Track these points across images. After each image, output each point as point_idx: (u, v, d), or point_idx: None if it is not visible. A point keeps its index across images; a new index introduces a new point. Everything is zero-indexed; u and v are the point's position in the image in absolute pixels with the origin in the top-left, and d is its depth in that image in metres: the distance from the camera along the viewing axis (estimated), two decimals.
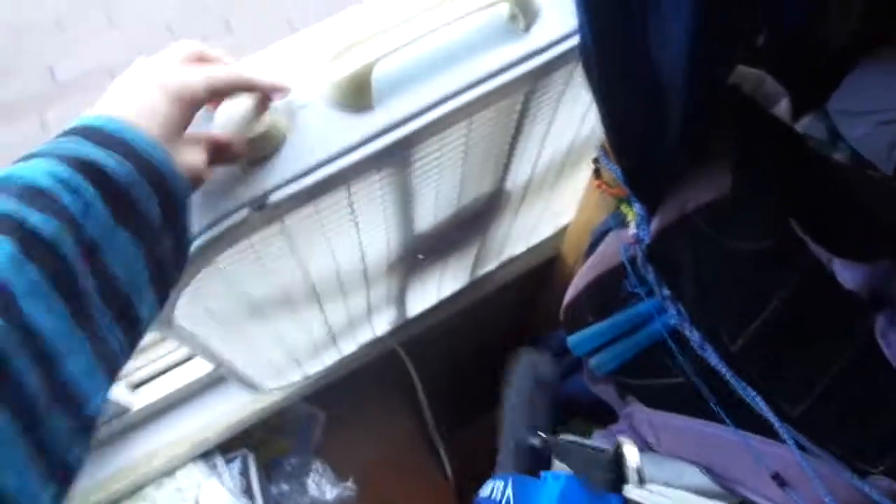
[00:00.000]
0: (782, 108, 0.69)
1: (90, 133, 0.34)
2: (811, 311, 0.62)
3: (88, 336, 0.31)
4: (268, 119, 0.44)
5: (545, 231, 1.00)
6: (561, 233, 1.02)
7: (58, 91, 2.17)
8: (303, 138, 0.46)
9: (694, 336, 0.68)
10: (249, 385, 0.80)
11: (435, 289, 0.92)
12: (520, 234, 0.94)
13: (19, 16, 2.47)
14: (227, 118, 0.43)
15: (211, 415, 0.93)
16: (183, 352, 0.92)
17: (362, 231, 0.56)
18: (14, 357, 0.27)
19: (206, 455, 0.95)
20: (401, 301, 0.88)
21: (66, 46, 2.34)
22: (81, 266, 0.31)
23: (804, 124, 0.77)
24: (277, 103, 0.46)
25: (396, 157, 0.48)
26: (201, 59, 0.43)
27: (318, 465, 1.05)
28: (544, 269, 1.08)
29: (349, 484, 1.02)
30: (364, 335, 0.93)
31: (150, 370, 0.92)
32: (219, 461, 0.96)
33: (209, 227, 0.43)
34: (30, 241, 0.29)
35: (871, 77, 0.72)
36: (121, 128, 0.35)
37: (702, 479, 0.73)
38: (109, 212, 0.32)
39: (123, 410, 0.89)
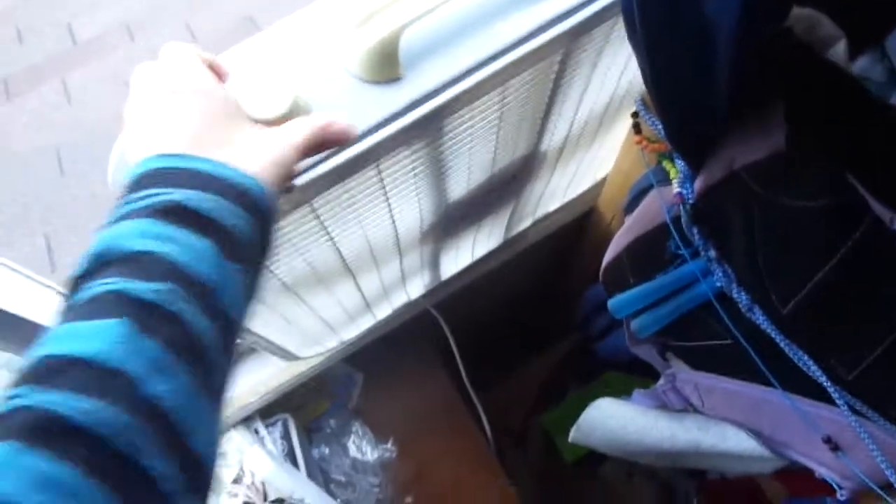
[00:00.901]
0: (839, 50, 0.64)
1: (160, 176, 0.32)
2: (870, 272, 0.58)
3: (209, 392, 0.29)
4: (291, 97, 0.41)
5: (582, 186, 0.96)
6: (598, 186, 0.98)
7: (78, 52, 2.15)
8: (328, 115, 0.43)
9: (742, 298, 0.65)
10: (285, 355, 0.80)
11: (468, 250, 0.90)
12: (555, 191, 0.90)
13: (94, 27, 2.43)
14: (248, 98, 0.41)
15: (250, 381, 0.93)
16: None
17: (394, 205, 0.54)
18: (143, 449, 0.25)
19: (246, 420, 0.97)
20: (434, 265, 0.86)
21: (84, 4, 2.30)
22: (199, 318, 0.29)
23: (861, 66, 0.72)
24: (301, 78, 0.43)
25: (428, 130, 0.46)
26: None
27: (357, 426, 1.06)
28: (580, 223, 1.05)
29: (389, 445, 1.03)
30: (398, 299, 0.92)
31: None
32: (260, 426, 0.97)
33: None
34: (143, 314, 0.27)
35: None
36: (188, 161, 0.33)
37: (749, 443, 0.71)
38: (215, 248, 0.31)
39: None
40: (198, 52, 0.43)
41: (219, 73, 0.43)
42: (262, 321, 0.65)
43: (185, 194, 0.31)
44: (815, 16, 0.63)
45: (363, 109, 0.43)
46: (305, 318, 0.70)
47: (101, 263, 0.29)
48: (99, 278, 0.28)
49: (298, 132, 0.38)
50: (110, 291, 0.27)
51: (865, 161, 0.56)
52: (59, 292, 0.75)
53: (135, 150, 0.35)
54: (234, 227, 0.32)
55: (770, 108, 0.60)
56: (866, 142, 0.57)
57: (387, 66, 0.43)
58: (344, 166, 0.43)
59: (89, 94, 2.01)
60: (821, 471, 0.66)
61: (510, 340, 1.34)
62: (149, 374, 0.26)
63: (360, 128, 0.43)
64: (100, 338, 0.26)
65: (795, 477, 0.73)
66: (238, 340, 0.33)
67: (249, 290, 0.34)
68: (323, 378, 1.06)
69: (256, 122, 0.41)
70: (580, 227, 1.06)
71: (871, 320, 0.59)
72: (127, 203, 0.31)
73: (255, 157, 0.35)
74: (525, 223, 0.96)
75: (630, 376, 1.16)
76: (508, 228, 0.93)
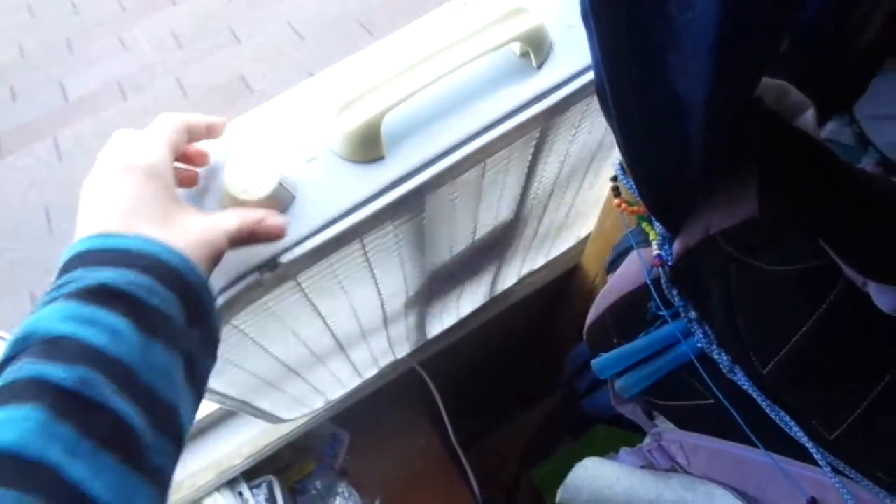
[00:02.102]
0: (808, 117, 0.67)
1: (89, 257, 0.32)
2: (846, 333, 0.60)
3: (143, 474, 0.29)
4: (276, 176, 0.43)
5: (565, 244, 0.98)
6: (581, 244, 1.00)
7: (70, 109, 2.18)
8: (313, 194, 0.44)
9: (723, 359, 0.66)
10: (270, 418, 0.80)
11: (454, 310, 0.91)
12: (539, 251, 0.92)
13: (32, 38, 2.49)
14: (233, 179, 0.42)
15: (235, 442, 0.92)
16: None
17: (378, 275, 0.55)
18: None
19: (230, 483, 0.95)
20: (420, 325, 0.87)
21: (77, 65, 2.35)
22: (121, 401, 0.29)
23: (830, 130, 0.75)
24: (286, 158, 0.45)
25: (410, 206, 0.47)
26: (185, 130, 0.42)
27: (343, 487, 1.05)
28: (564, 281, 1.06)
29: None
30: (384, 359, 0.92)
31: None
32: (244, 489, 0.96)
33: (221, 291, 0.42)
34: (59, 400, 0.27)
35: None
36: (116, 240, 0.33)
37: None
38: (135, 328, 0.31)
39: None
40: (192, 116, 0.43)
41: (213, 134, 0.44)
42: (246, 387, 0.65)
43: (108, 275, 0.31)
44: (783, 85, 0.66)
45: (347, 188, 0.44)
46: (291, 383, 0.70)
47: (23, 348, 0.29)
48: (18, 363, 0.28)
49: (231, 219, 0.39)
50: (28, 377, 0.28)
51: (835, 226, 0.58)
52: None
53: (77, 229, 0.36)
54: (159, 305, 0.32)
55: (744, 173, 0.63)
56: (835, 208, 0.59)
57: (370, 146, 0.44)
58: (328, 243, 0.44)
59: (80, 152, 2.03)
60: None
61: (497, 396, 1.33)
62: (68, 460, 0.26)
63: (345, 203, 0.44)
64: (15, 426, 0.26)
65: None
66: (183, 418, 0.33)
67: (188, 366, 0.34)
68: (309, 438, 1.05)
69: (242, 202, 0.42)
70: (565, 284, 1.07)
71: (849, 381, 0.60)
72: (56, 288, 0.31)
73: (185, 235, 0.36)
74: (510, 281, 0.98)
75: (620, 430, 1.16)
76: (493, 287, 0.94)
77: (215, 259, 0.38)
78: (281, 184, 0.43)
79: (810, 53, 0.68)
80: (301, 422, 0.93)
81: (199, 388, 0.36)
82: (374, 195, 0.44)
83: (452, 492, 1.11)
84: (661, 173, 0.56)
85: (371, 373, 0.93)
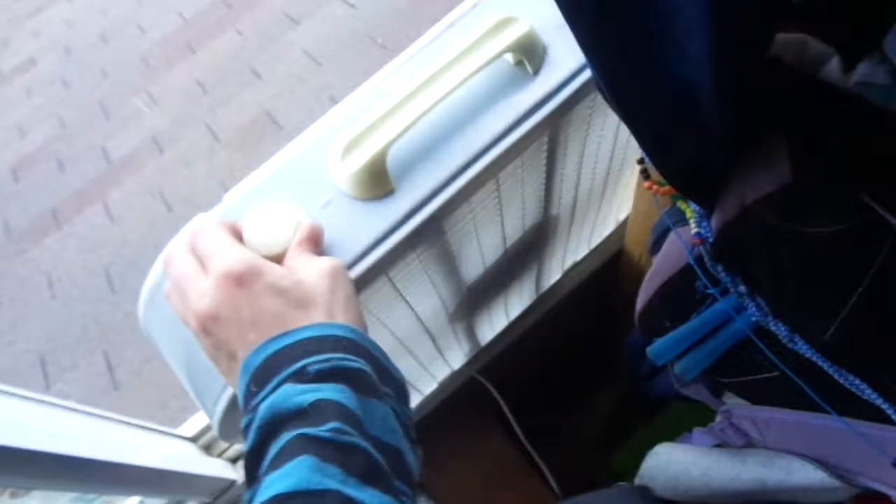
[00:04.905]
0: (833, 66, 0.64)
1: (283, 355, 0.37)
2: None
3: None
4: (293, 229, 0.43)
5: (605, 230, 0.96)
6: (621, 227, 0.98)
7: (114, 171, 2.27)
8: (331, 237, 0.45)
9: (780, 330, 0.64)
10: None
11: (502, 314, 0.90)
12: (579, 242, 0.91)
13: (69, 109, 2.60)
14: (252, 237, 0.43)
15: None
16: None
17: (413, 302, 0.55)
18: None
19: None
20: (470, 335, 0.87)
21: (115, 128, 2.44)
22: (366, 444, 0.34)
23: (862, 73, 0.71)
24: (299, 207, 0.45)
25: (428, 234, 0.47)
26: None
27: (424, 501, 1.05)
28: (611, 265, 1.04)
29: None
30: (441, 373, 0.93)
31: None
32: None
33: None
34: (321, 448, 0.32)
35: None
36: (296, 335, 0.37)
37: (817, 475, 0.69)
38: (352, 391, 0.36)
39: (228, 485, 0.92)
40: (220, 222, 0.44)
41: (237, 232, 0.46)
42: None
43: (311, 361, 0.36)
44: (801, 38, 0.63)
45: (363, 227, 0.45)
46: None
47: (275, 426, 0.34)
48: (279, 437, 0.34)
49: (333, 261, 0.42)
50: (291, 440, 0.33)
51: (877, 178, 0.55)
52: (117, 419, 0.78)
53: (237, 346, 0.39)
54: (359, 368, 0.37)
55: (774, 137, 0.60)
56: (874, 157, 0.56)
57: (378, 183, 0.44)
58: (355, 284, 0.44)
59: (128, 211, 2.12)
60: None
61: (562, 389, 1.32)
62: (345, 487, 0.31)
63: (363, 244, 0.45)
64: (294, 473, 0.31)
65: (875, 502, 0.70)
66: (409, 462, 0.38)
67: (396, 416, 0.38)
68: None
69: (267, 258, 0.43)
70: (612, 269, 1.05)
71: None
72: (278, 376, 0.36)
73: (341, 308, 0.40)
74: (555, 276, 0.97)
75: (695, 404, 1.13)
76: (539, 285, 0.93)
77: (355, 297, 0.43)
78: (297, 233, 0.43)
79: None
80: None
81: (410, 435, 0.40)
82: (389, 231, 0.44)
83: (532, 489, 1.11)
84: (680, 157, 0.55)
85: (431, 388, 0.93)
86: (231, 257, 0.40)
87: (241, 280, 0.39)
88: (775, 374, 0.67)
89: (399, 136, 0.43)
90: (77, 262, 2.01)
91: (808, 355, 0.62)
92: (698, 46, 0.41)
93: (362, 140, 0.44)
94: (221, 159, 2.13)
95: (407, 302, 0.54)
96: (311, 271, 0.41)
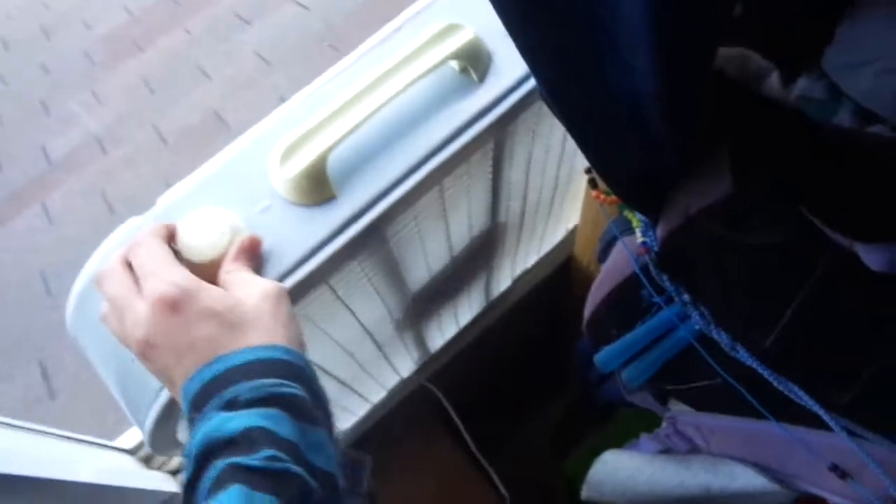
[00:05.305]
0: (774, 81, 0.65)
1: (220, 380, 0.36)
2: (842, 297, 0.58)
3: None
4: (228, 234, 0.42)
5: (554, 238, 0.97)
6: (571, 235, 0.99)
7: (54, 172, 2.19)
8: (270, 244, 0.43)
9: (722, 338, 0.65)
10: None
11: (453, 322, 0.90)
12: (528, 249, 0.91)
13: (8, 104, 2.49)
14: (187, 243, 0.41)
15: None
16: None
17: (357, 311, 0.54)
18: None
19: None
20: (420, 343, 0.86)
21: (56, 126, 2.35)
22: (299, 469, 0.34)
23: (801, 87, 0.73)
24: (237, 212, 0.44)
25: (370, 241, 0.46)
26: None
27: None
28: (561, 273, 1.05)
29: None
30: (390, 381, 0.91)
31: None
32: None
33: None
34: (253, 477, 0.32)
35: (865, 25, 0.67)
36: (231, 360, 0.37)
37: (758, 480, 0.70)
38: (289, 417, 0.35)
39: (168, 498, 0.89)
40: (157, 231, 0.42)
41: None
42: None
43: (244, 387, 0.35)
44: (743, 52, 0.64)
45: (303, 233, 0.43)
46: None
47: (209, 454, 0.34)
48: (212, 465, 0.33)
49: (275, 285, 0.40)
50: (223, 469, 0.32)
51: (814, 191, 0.57)
52: (51, 433, 0.75)
53: (175, 373, 0.38)
54: (294, 395, 0.36)
55: (718, 151, 0.61)
56: (812, 172, 0.58)
57: (318, 189, 0.43)
58: (292, 291, 0.43)
59: (68, 212, 2.04)
60: (834, 499, 0.65)
61: (514, 396, 1.32)
62: None
63: (302, 251, 0.43)
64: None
65: None
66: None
67: (329, 440, 0.38)
68: None
69: (199, 264, 0.41)
70: (562, 276, 1.06)
71: (853, 344, 0.59)
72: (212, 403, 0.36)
73: (281, 331, 0.39)
74: (504, 284, 0.96)
75: (644, 410, 1.14)
76: (488, 293, 0.93)
77: (294, 318, 0.41)
78: (233, 240, 0.42)
79: (765, 14, 0.66)
80: None
81: (339, 459, 0.40)
82: (329, 237, 0.43)
83: (482, 497, 1.10)
84: (626, 169, 0.55)
85: (380, 396, 0.92)
86: (165, 280, 0.38)
87: (176, 306, 0.37)
88: (718, 381, 0.68)
89: (340, 140, 0.42)
90: (13, 265, 1.93)
91: (748, 363, 0.63)
92: (642, 60, 0.41)
93: (302, 144, 0.42)
94: (167, 160, 2.07)
95: (350, 310, 0.53)
96: (251, 293, 0.39)
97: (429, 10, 0.49)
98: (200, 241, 0.42)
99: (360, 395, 0.83)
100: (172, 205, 0.46)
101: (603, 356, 0.75)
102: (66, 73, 2.57)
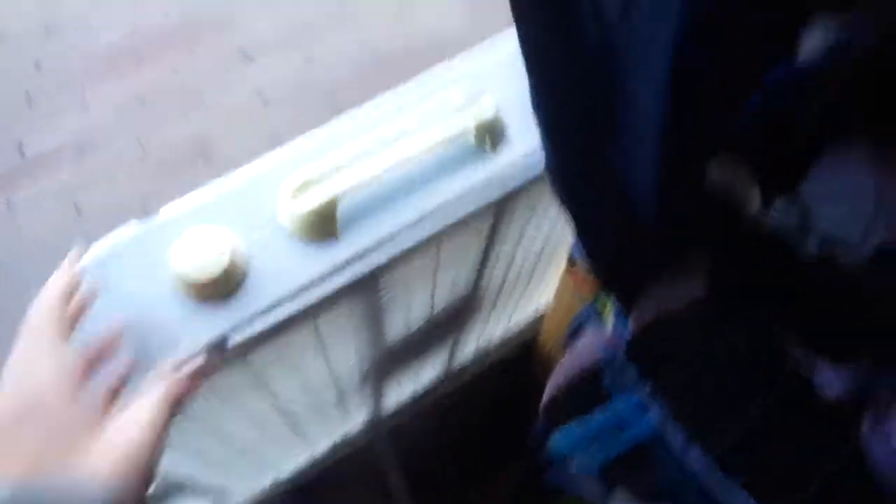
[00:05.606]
0: (755, 199, 0.69)
1: None
2: (796, 413, 0.60)
3: None
4: (228, 255, 0.42)
5: (522, 319, 0.98)
6: (538, 320, 1.00)
7: (27, 167, 2.14)
8: (265, 273, 0.44)
9: (677, 437, 0.66)
10: (217, 497, 0.76)
11: (410, 384, 0.89)
12: (497, 324, 0.92)
13: (45, 145, 2.43)
14: (183, 260, 0.41)
15: None
16: None
17: (330, 354, 0.54)
18: None
19: None
20: (376, 399, 0.85)
21: (36, 123, 2.32)
22: None
23: (775, 215, 0.77)
24: (238, 237, 0.44)
25: (363, 288, 0.47)
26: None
27: None
28: (523, 354, 1.06)
29: None
30: (339, 432, 0.90)
31: None
32: None
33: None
34: None
35: (842, 163, 0.72)
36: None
37: None
38: None
39: None
40: (55, 291, 0.40)
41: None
42: (193, 460, 0.62)
43: None
44: (732, 168, 0.68)
45: (301, 267, 0.44)
46: (239, 459, 0.68)
47: None
48: None
49: (147, 409, 0.36)
50: None
51: (783, 310, 0.60)
52: None
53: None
54: None
55: (698, 254, 0.64)
56: (783, 292, 0.61)
57: (324, 226, 0.44)
58: (280, 324, 0.43)
59: (34, 209, 1.99)
60: None
61: (457, 471, 1.30)
62: None
63: (297, 283, 0.44)
64: None
65: None
66: None
67: None
68: None
69: (194, 282, 0.41)
70: (524, 358, 1.06)
71: (802, 460, 0.61)
72: None
73: (106, 460, 0.33)
74: (468, 355, 0.97)
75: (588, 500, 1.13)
76: (450, 361, 0.93)
77: (153, 457, 0.35)
78: (233, 261, 0.42)
79: (753, 139, 0.71)
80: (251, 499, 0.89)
81: None
82: (327, 274, 0.44)
83: None
84: (610, 250, 0.57)
85: (325, 447, 0.90)
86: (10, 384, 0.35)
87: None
88: (668, 478, 0.69)
89: (355, 186, 0.43)
90: None
91: (697, 466, 0.64)
92: (646, 150, 0.44)
93: (318, 182, 0.43)
94: (147, 178, 2.05)
95: (325, 352, 0.53)
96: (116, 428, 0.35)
97: (453, 72, 0.52)
98: (195, 259, 0.42)
99: (305, 440, 0.81)
100: (174, 217, 0.46)
101: (558, 439, 0.75)
102: (59, 75, 2.55)
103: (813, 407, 0.57)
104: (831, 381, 0.57)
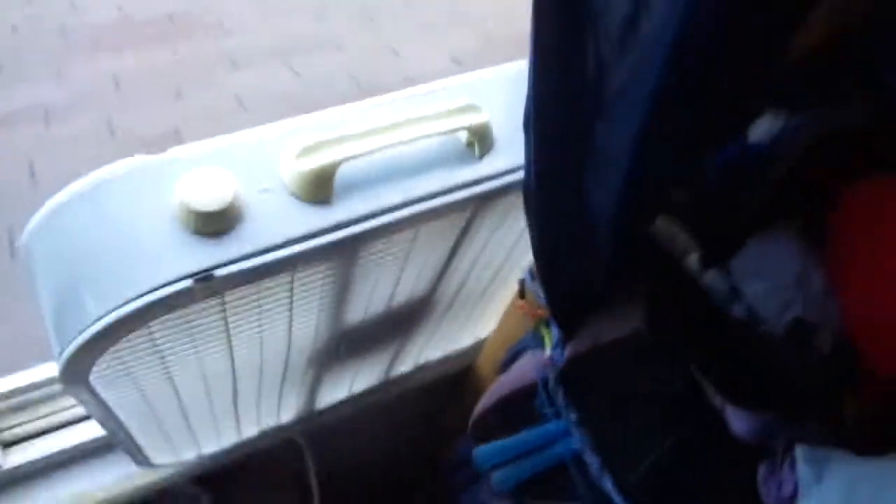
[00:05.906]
0: (692, 260, 0.77)
1: None
2: (704, 453, 0.66)
3: None
4: (230, 196, 0.46)
5: (464, 341, 1.02)
6: (479, 344, 1.05)
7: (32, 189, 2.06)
8: (259, 220, 0.48)
9: (594, 463, 0.70)
10: (139, 456, 0.76)
11: (347, 383, 0.92)
12: (440, 341, 0.96)
13: (8, 105, 2.35)
14: (189, 189, 0.45)
15: (88, 485, 0.87)
16: (67, 414, 0.88)
17: (295, 315, 0.57)
18: None
19: None
20: (312, 390, 0.88)
21: (4, 82, 2.28)
22: None
23: (709, 277, 0.85)
24: (241, 183, 0.48)
25: (344, 252, 0.51)
26: None
27: None
28: (457, 378, 1.09)
29: None
30: (268, 420, 0.91)
31: (28, 429, 0.87)
32: None
33: (151, 290, 0.43)
34: None
35: (772, 244, 0.80)
36: None
37: None
38: None
39: None
40: None
41: None
42: (130, 409, 0.63)
43: None
44: (677, 226, 0.76)
45: (292, 221, 0.48)
46: (173, 413, 0.69)
47: None
48: None
49: None
50: None
51: (707, 358, 0.66)
52: None
53: None
54: None
55: (638, 296, 0.70)
56: (708, 342, 0.67)
57: (321, 188, 0.49)
58: (263, 267, 0.47)
59: None
60: None
61: (375, 485, 1.31)
62: None
63: (284, 235, 0.48)
64: None
65: None
66: None
67: None
68: (166, 496, 0.99)
69: (195, 211, 0.45)
70: (457, 381, 1.10)
71: (704, 499, 0.66)
72: None
73: None
74: (406, 366, 1.00)
75: None
76: (389, 368, 0.96)
77: None
78: (233, 203, 0.46)
79: (706, 207, 0.78)
80: (165, 473, 0.89)
81: None
82: (315, 233, 0.48)
83: None
84: (565, 276, 0.63)
85: (251, 432, 0.91)
86: None
87: None
88: (581, 500, 0.73)
89: (357, 155, 0.48)
90: None
91: (609, 492, 0.69)
92: (614, 180, 0.50)
93: (322, 147, 0.48)
94: (109, 157, 2.02)
95: (291, 311, 0.56)
96: None
97: (453, 87, 0.58)
98: (200, 190, 0.46)
99: (237, 418, 0.83)
100: (181, 157, 0.50)
101: (483, 451, 0.79)
102: (36, 42, 2.54)
103: (723, 445, 0.63)
104: (739, 425, 0.63)
